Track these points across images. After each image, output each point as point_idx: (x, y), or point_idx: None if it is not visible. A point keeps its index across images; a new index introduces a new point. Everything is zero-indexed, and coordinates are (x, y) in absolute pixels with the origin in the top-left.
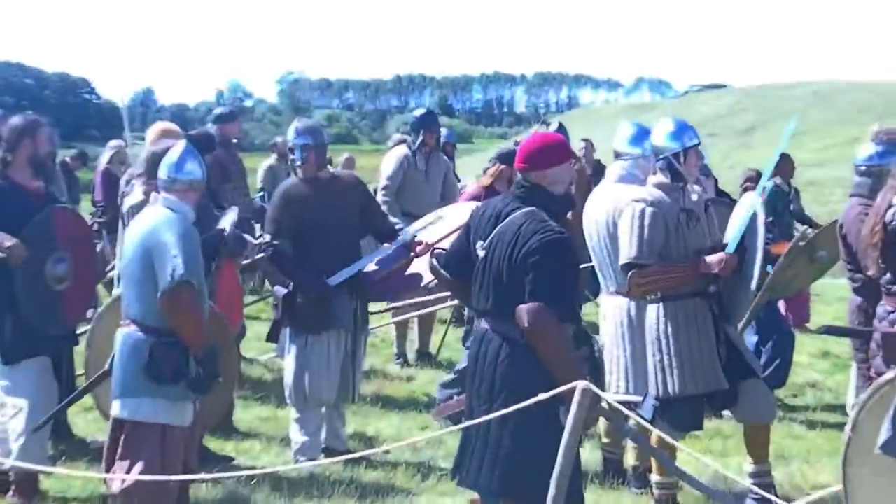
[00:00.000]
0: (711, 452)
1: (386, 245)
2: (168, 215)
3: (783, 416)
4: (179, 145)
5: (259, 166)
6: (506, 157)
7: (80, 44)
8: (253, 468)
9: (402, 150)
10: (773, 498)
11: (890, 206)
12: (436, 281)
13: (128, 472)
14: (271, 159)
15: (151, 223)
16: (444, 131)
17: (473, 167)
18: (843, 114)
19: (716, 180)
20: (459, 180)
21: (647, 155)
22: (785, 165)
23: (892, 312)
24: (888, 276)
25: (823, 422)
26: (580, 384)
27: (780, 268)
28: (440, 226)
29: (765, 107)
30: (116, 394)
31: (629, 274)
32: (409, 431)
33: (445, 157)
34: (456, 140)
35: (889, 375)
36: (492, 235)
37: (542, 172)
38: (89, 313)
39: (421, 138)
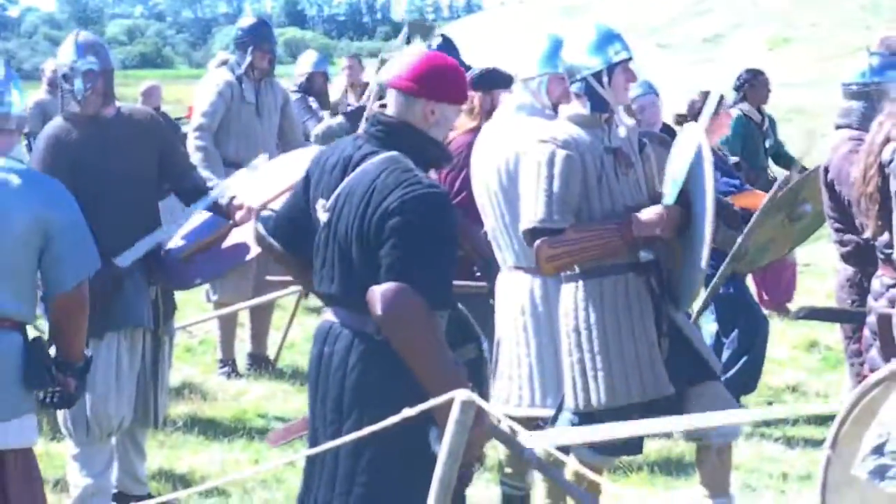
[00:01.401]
0: (653, 485)
1: (197, 211)
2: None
3: (752, 431)
4: None
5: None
6: (483, 81)
7: None
8: None
9: (224, 75)
10: None
11: (888, 141)
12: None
13: None
14: (40, 92)
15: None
16: (310, 56)
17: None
18: (844, 14)
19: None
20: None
21: (542, 76)
22: (757, 86)
23: (892, 287)
24: (886, 237)
25: (807, 438)
26: (459, 395)
27: (751, 229)
28: (270, 180)
29: (736, 7)
30: None
31: (536, 243)
32: (236, 466)
33: (283, 87)
34: (327, 66)
35: (879, 374)
36: (337, 191)
37: (433, 105)
38: None
39: (249, 59)
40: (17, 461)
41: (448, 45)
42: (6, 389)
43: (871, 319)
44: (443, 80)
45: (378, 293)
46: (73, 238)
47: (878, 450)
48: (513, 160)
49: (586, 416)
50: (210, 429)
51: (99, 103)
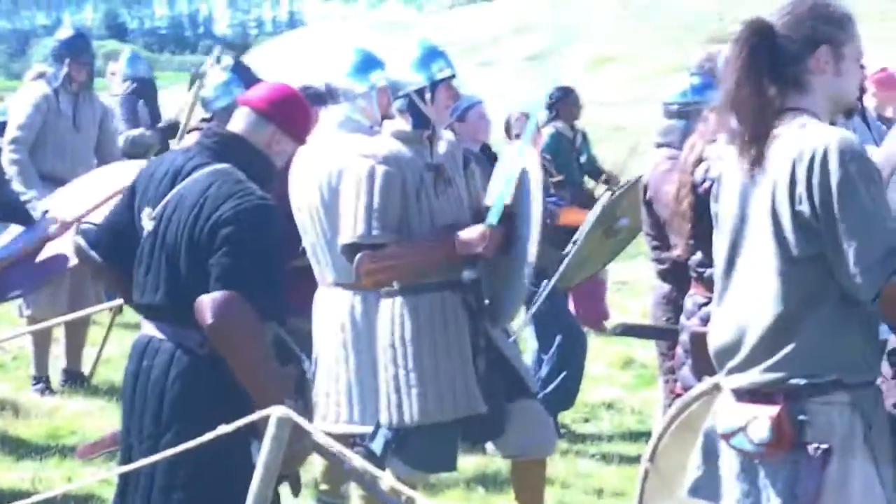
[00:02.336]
0: (470, 500)
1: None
2: None
3: (568, 448)
4: None
5: None
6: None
7: None
8: None
9: (40, 87)
10: None
11: (700, 161)
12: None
13: None
14: None
15: None
16: (123, 56)
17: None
18: (663, 34)
19: None
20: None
21: (370, 91)
22: (568, 104)
23: (704, 305)
24: (699, 256)
25: (622, 455)
26: (275, 411)
27: (581, 246)
28: (85, 193)
29: (558, 26)
30: None
31: (357, 257)
32: (48, 483)
33: (101, 100)
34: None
35: (698, 389)
36: (166, 199)
37: (280, 135)
38: None
39: (66, 71)
40: None
41: (243, 70)
42: None
43: (684, 338)
44: (298, 116)
45: (208, 301)
46: None
47: (700, 466)
48: (335, 176)
49: (400, 433)
50: (22, 446)
51: None
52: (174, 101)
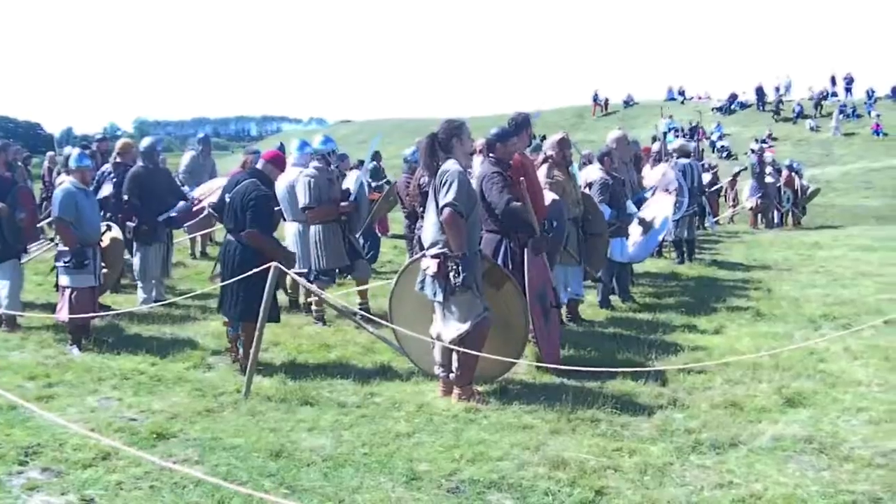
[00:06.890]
0: (349, 295)
1: None
2: (66, 187)
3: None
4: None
5: None
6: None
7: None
8: None
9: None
10: (371, 316)
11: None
12: None
13: (63, 310)
14: None
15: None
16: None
17: None
18: None
19: None
20: None
21: (307, 153)
22: None
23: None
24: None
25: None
26: (274, 263)
27: None
28: (209, 189)
29: None
30: (60, 272)
31: (307, 211)
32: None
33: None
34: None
35: (417, 256)
36: (234, 191)
37: (274, 168)
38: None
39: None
40: (65, 291)
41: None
42: (60, 265)
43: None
44: (279, 161)
45: (247, 230)
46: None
47: (422, 280)
48: (293, 180)
49: (317, 272)
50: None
51: None
52: None
